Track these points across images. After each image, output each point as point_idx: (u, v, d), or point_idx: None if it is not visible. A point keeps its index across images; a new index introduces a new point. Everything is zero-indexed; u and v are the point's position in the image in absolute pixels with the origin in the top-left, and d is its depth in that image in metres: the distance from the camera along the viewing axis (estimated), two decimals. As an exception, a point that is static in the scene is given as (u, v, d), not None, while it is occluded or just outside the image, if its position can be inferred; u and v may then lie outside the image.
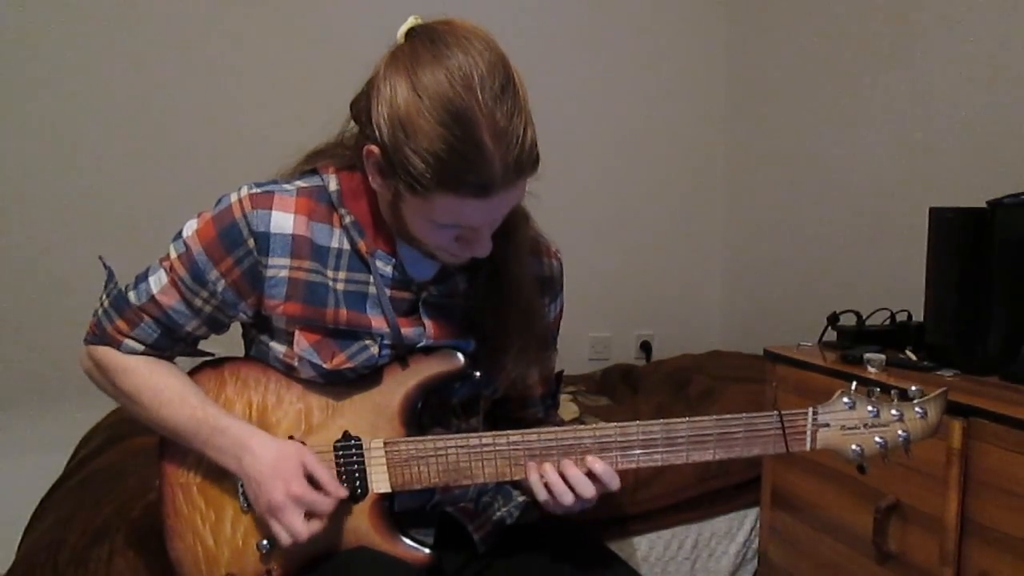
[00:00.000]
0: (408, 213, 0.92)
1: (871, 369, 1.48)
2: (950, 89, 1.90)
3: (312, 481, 0.95)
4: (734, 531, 1.81)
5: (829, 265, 2.32)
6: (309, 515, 0.94)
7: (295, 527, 0.93)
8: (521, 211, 1.03)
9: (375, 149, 0.88)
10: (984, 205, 1.43)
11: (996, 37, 1.79)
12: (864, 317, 1.71)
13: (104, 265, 1.06)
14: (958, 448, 1.26)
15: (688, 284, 2.84)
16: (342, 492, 0.97)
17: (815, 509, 1.60)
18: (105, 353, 1.03)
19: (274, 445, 0.97)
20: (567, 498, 0.94)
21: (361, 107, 0.92)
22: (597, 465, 0.94)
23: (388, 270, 1.00)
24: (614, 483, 0.95)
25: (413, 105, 0.82)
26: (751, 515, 1.82)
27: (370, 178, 0.92)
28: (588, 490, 0.94)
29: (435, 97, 0.82)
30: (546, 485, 0.95)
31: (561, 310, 1.18)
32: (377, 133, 0.86)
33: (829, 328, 1.73)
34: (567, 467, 0.95)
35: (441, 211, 0.88)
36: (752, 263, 2.71)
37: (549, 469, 0.95)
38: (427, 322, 1.03)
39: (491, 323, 1.04)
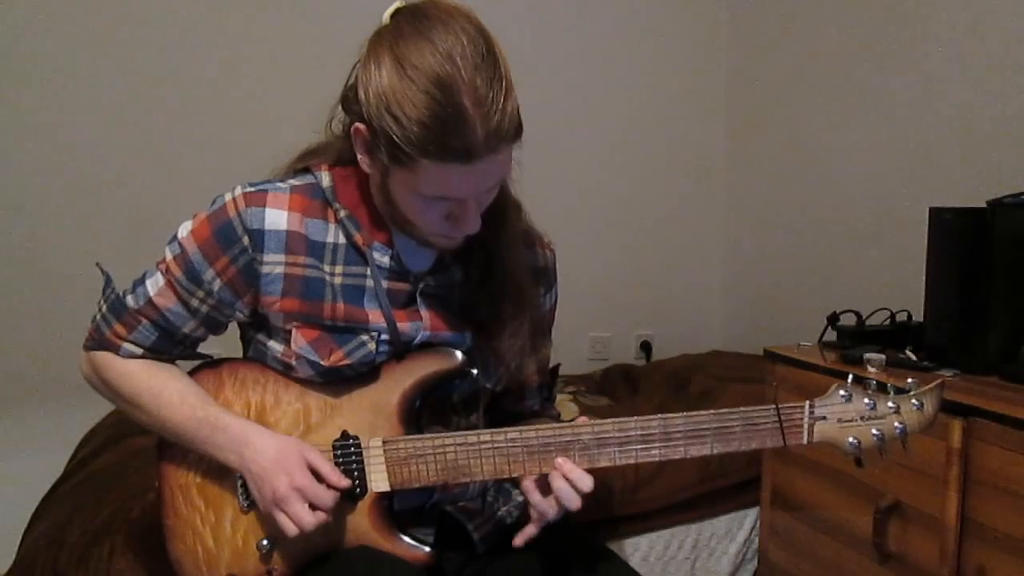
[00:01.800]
0: (396, 190, 0.93)
1: (871, 369, 1.48)
2: (950, 89, 1.90)
3: (314, 474, 0.95)
4: (734, 531, 1.81)
5: (829, 265, 2.32)
6: (313, 507, 0.94)
7: (302, 517, 0.93)
8: (513, 201, 1.05)
9: (362, 127, 0.89)
10: (984, 205, 1.43)
11: (997, 37, 1.79)
12: (864, 317, 1.71)
13: (101, 271, 1.06)
14: (958, 448, 1.26)
15: (688, 284, 2.83)
16: (345, 482, 0.97)
17: (815, 509, 1.60)
18: (104, 358, 1.03)
19: (274, 440, 0.97)
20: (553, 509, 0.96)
21: (349, 91, 0.93)
22: (566, 467, 0.95)
23: (385, 261, 1.01)
24: (585, 483, 0.95)
25: (396, 75, 0.84)
26: (751, 515, 1.82)
27: (359, 158, 0.93)
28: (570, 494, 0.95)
29: (417, 67, 0.83)
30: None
31: (556, 301, 1.19)
32: (363, 109, 0.88)
33: (829, 328, 1.73)
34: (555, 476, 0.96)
35: (426, 181, 0.88)
36: (752, 263, 2.71)
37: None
38: (425, 313, 1.03)
39: (486, 311, 1.04)
